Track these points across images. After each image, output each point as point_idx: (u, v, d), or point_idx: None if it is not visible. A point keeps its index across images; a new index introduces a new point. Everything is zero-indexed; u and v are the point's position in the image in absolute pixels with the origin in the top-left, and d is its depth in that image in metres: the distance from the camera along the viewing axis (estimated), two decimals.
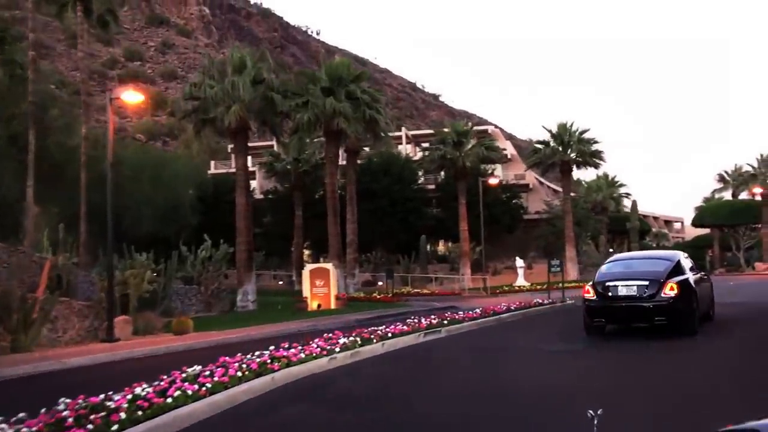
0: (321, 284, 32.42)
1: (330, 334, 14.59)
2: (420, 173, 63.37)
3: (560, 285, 31.07)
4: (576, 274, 52.83)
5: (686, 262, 15.77)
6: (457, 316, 20.86)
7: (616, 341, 14.84)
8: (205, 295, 32.02)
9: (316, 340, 13.49)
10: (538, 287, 45.35)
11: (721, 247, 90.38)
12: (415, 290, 45.77)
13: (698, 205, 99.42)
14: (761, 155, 70.01)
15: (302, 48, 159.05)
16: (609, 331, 15.63)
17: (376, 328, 16.36)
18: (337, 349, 12.95)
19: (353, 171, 47.22)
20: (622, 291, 14.28)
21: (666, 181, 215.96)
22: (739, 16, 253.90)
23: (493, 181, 50.43)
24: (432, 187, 63.01)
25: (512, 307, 24.57)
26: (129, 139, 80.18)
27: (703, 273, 17.24)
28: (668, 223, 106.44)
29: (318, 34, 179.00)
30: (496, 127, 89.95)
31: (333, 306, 31.82)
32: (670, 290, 13.95)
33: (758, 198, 71.35)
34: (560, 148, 53.21)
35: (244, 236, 36.15)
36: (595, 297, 14.67)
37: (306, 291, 32.62)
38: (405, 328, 16.78)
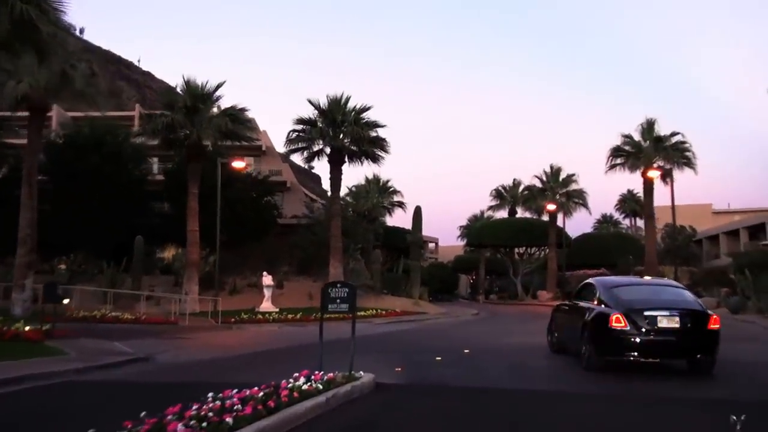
0: None
1: None
2: (155, 162, 48.89)
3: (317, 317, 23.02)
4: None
5: None
6: None
7: None
8: None
9: None
10: (291, 316, 33.21)
11: (490, 271, 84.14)
12: (112, 314, 31.43)
13: (466, 225, 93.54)
14: (551, 167, 62.71)
15: None
16: None
17: None
18: None
19: (35, 136, 32.28)
20: (663, 323, 13.10)
21: (421, 197, 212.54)
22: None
23: (238, 164, 37.05)
24: (161, 178, 48.62)
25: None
26: None
27: None
28: (423, 242, 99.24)
29: None
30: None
31: None
32: (714, 323, 13.31)
33: (545, 217, 64.34)
34: (330, 131, 41.19)
35: None
36: (628, 328, 13.09)
37: None
38: None
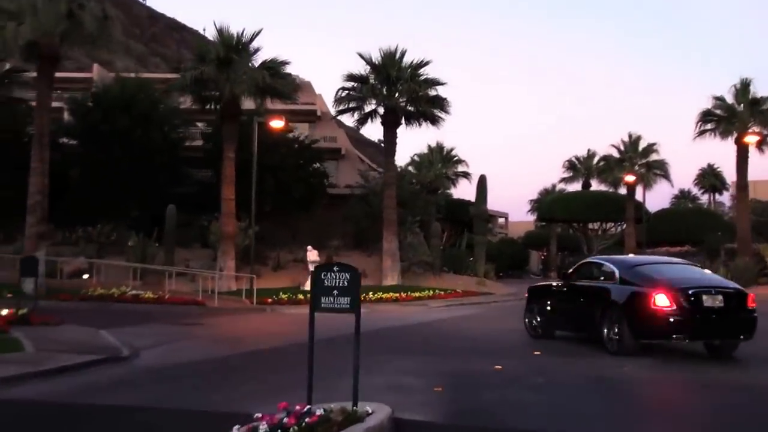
0: None
1: None
2: (199, 127, 45.29)
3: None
4: (397, 278, 36.75)
5: None
6: None
7: None
8: None
9: None
10: None
11: (562, 247, 79.46)
12: (133, 292, 27.77)
13: (536, 198, 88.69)
14: (629, 136, 57.21)
15: None
16: None
17: None
18: None
19: (45, 89, 28.86)
20: (708, 302, 12.68)
21: (489, 169, 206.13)
22: None
23: (276, 124, 32.86)
24: (199, 144, 44.97)
25: None
26: None
27: None
28: (492, 217, 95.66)
29: None
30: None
31: None
32: (752, 303, 13.10)
33: (621, 190, 58.94)
34: (383, 89, 36.71)
35: None
36: (674, 308, 12.59)
37: None
38: None
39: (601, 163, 62.11)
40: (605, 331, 13.50)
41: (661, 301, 12.66)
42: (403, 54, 36.81)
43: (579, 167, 72.72)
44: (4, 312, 17.69)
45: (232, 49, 32.91)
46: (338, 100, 37.36)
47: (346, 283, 7.84)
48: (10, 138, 37.26)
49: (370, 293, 30.66)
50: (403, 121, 37.90)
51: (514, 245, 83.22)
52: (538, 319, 16.46)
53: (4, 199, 35.22)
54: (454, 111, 37.51)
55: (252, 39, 33.68)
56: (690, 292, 12.70)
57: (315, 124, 55.96)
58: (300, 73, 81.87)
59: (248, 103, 35.50)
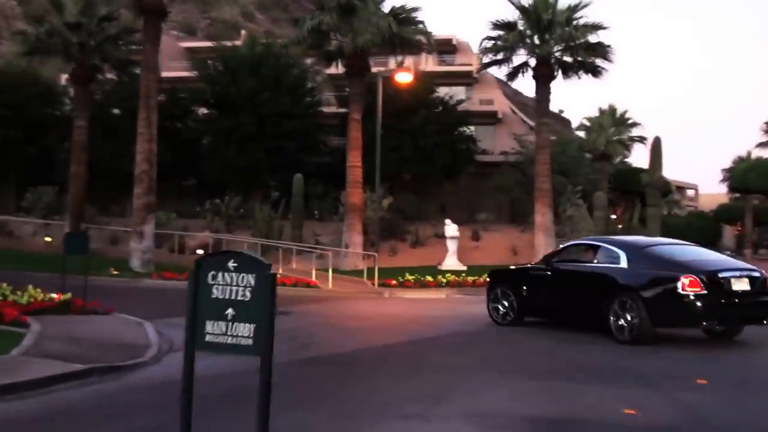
0: None
1: None
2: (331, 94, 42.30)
3: None
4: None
5: None
6: None
7: None
8: None
9: None
10: (472, 279, 25.35)
11: (760, 222, 71.76)
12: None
13: (729, 167, 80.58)
14: None
15: None
16: None
17: None
18: None
19: (151, 47, 26.64)
20: (736, 285, 12.28)
21: (673, 136, 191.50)
22: None
23: (402, 78, 28.75)
24: (333, 111, 41.97)
25: None
26: None
27: None
28: (679, 189, 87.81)
29: None
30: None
31: None
32: None
33: None
34: (534, 35, 31.86)
35: None
36: (706, 292, 11.93)
37: None
38: None
39: None
40: (612, 318, 12.65)
41: (692, 285, 12.03)
42: None
43: None
44: (54, 296, 15.11)
45: None
46: (483, 51, 32.85)
47: (248, 294, 3.89)
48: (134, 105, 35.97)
49: None
50: (559, 73, 32.93)
51: (704, 219, 75.82)
52: (507, 305, 15.12)
53: (116, 170, 33.80)
54: (621, 62, 32.13)
55: None
56: (720, 275, 12.32)
57: (472, 87, 52.03)
58: (457, 33, 77.79)
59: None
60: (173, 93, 40.47)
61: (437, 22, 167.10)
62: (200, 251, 30.07)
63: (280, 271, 25.62)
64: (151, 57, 26.89)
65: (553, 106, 39.91)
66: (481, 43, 32.58)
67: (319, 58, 31.62)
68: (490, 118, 49.71)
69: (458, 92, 48.05)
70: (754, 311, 12.51)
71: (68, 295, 15.14)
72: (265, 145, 36.68)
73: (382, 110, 29.57)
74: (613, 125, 54.67)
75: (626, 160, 58.73)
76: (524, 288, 14.96)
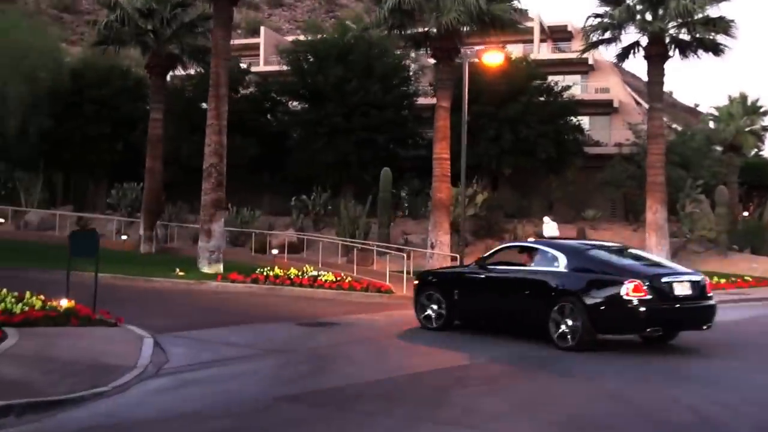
0: None
1: None
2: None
3: None
4: (664, 258, 28.58)
5: None
6: None
7: None
8: None
9: None
10: None
11: None
12: (312, 273, 22.90)
13: None
14: None
15: None
16: None
17: None
18: None
19: (222, 34, 25.15)
20: (678, 289, 12.16)
21: None
22: None
23: (491, 59, 25.92)
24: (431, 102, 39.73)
25: None
26: None
27: None
28: None
29: None
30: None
31: None
32: (710, 288, 12.87)
33: None
34: (644, 11, 28.46)
35: None
36: (651, 297, 11.77)
37: None
38: None
39: None
40: (552, 325, 12.32)
41: (637, 290, 11.87)
42: None
43: None
44: (64, 302, 13.48)
45: None
46: (589, 30, 29.69)
47: None
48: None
49: None
50: (676, 53, 29.37)
51: None
52: (437, 310, 14.38)
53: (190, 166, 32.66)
54: (737, 26, 28.32)
55: None
56: (663, 279, 12.29)
57: (588, 75, 48.73)
58: (572, 19, 74.13)
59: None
60: (265, 86, 39.32)
61: (552, 9, 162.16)
62: (275, 251, 28.36)
63: (354, 274, 23.53)
64: (222, 44, 25.25)
65: (679, 95, 36.25)
66: (586, 20, 29.50)
67: (403, 41, 29.19)
68: (606, 108, 46.29)
69: (573, 81, 45.10)
70: (693, 316, 12.51)
71: (71, 304, 13.46)
72: (355, 138, 34.75)
73: (479, 98, 27.01)
74: (744, 114, 50.32)
75: (760, 152, 54.35)
76: (456, 292, 14.30)
